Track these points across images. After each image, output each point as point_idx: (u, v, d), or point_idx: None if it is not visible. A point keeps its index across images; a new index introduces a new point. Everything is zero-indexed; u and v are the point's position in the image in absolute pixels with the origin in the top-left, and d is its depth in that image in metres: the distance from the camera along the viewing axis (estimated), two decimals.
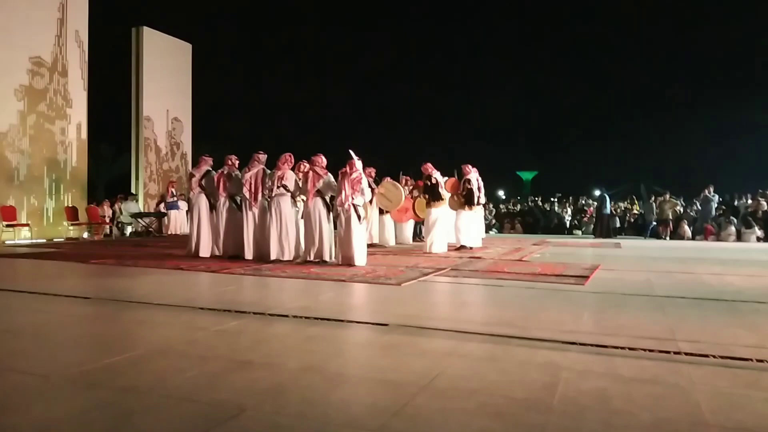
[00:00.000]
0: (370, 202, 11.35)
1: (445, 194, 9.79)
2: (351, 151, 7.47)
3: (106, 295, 5.14)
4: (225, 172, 8.43)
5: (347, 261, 7.32)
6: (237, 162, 8.57)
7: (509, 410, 2.25)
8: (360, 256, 7.37)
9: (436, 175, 9.67)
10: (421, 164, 9.93)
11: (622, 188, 23.04)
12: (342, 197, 7.37)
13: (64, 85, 14.06)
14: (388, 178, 11.18)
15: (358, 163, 7.46)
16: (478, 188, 10.44)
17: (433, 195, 9.58)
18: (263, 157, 8.16)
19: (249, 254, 8.08)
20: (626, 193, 23.33)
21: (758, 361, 2.93)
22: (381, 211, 11.47)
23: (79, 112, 14.47)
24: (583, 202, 21.75)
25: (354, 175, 7.38)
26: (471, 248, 10.17)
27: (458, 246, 10.10)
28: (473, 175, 10.29)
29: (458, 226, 10.15)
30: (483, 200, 11.45)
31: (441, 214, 9.64)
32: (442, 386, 2.54)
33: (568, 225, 19.26)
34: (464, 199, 10.12)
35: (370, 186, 11.09)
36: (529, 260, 8.52)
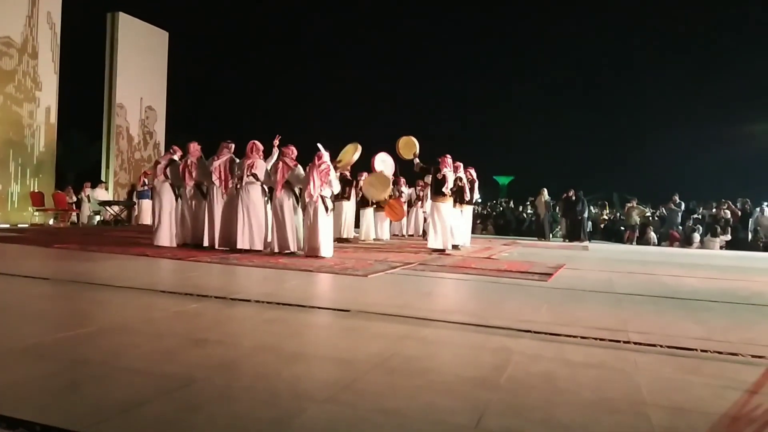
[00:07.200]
0: (348, 197, 11.35)
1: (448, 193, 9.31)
2: (319, 144, 7.49)
3: (66, 277, 5.06)
4: (190, 160, 8.30)
5: (313, 252, 7.33)
6: (199, 148, 8.39)
7: (457, 387, 2.30)
8: (326, 248, 7.39)
9: (446, 171, 9.21)
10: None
11: (596, 195, 23.54)
12: (310, 188, 7.37)
13: (33, 67, 13.75)
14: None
15: (326, 156, 7.48)
16: (466, 187, 10.41)
17: (435, 188, 9.31)
18: (232, 146, 8.10)
19: (216, 243, 7.99)
20: (597, 199, 23.81)
21: (702, 351, 3.03)
22: (365, 205, 11.53)
23: (48, 96, 14.17)
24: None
25: (322, 167, 7.40)
26: (459, 247, 10.18)
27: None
28: (462, 173, 10.35)
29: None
30: (475, 197, 11.56)
31: (444, 211, 9.24)
32: (394, 365, 2.57)
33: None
34: (456, 195, 10.03)
35: (348, 179, 11.10)
36: (497, 258, 8.63)
